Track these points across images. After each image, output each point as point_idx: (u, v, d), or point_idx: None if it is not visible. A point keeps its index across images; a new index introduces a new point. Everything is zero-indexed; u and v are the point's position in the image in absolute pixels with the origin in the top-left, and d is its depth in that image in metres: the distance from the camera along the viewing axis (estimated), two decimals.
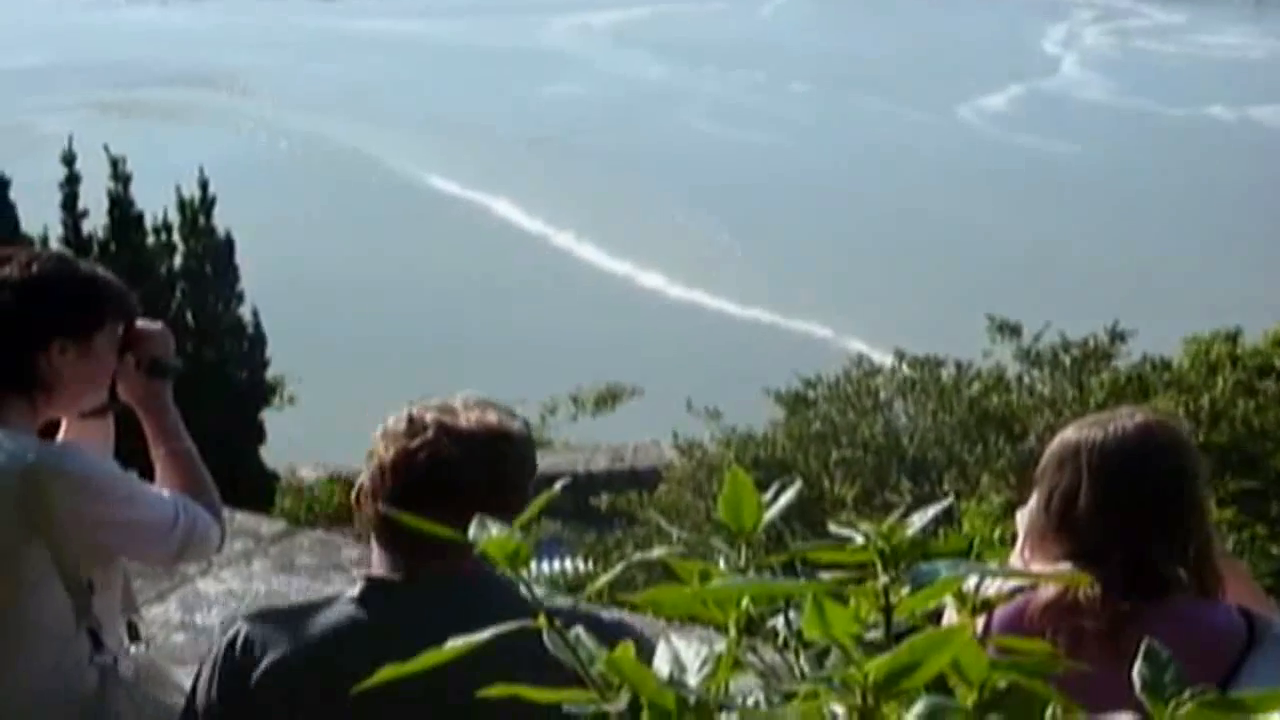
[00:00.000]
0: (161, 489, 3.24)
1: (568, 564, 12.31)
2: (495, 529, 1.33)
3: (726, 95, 44.19)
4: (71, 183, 12.98)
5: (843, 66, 47.02)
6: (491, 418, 2.81)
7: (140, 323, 3.34)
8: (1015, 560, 3.24)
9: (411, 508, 2.58)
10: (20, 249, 3.36)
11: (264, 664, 2.70)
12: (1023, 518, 3.26)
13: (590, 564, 11.32)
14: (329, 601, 2.80)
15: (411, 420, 2.79)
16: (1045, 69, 48.20)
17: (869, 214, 32.31)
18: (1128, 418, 3.18)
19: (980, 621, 2.73)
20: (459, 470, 2.72)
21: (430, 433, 2.75)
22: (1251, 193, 32.86)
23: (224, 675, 2.74)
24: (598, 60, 49.78)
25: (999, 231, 30.64)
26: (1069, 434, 3.19)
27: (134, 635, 3.35)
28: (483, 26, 54.97)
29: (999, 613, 2.93)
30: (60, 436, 3.34)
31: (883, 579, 1.18)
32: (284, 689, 2.68)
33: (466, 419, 2.78)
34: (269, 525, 6.84)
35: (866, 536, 1.21)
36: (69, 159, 12.98)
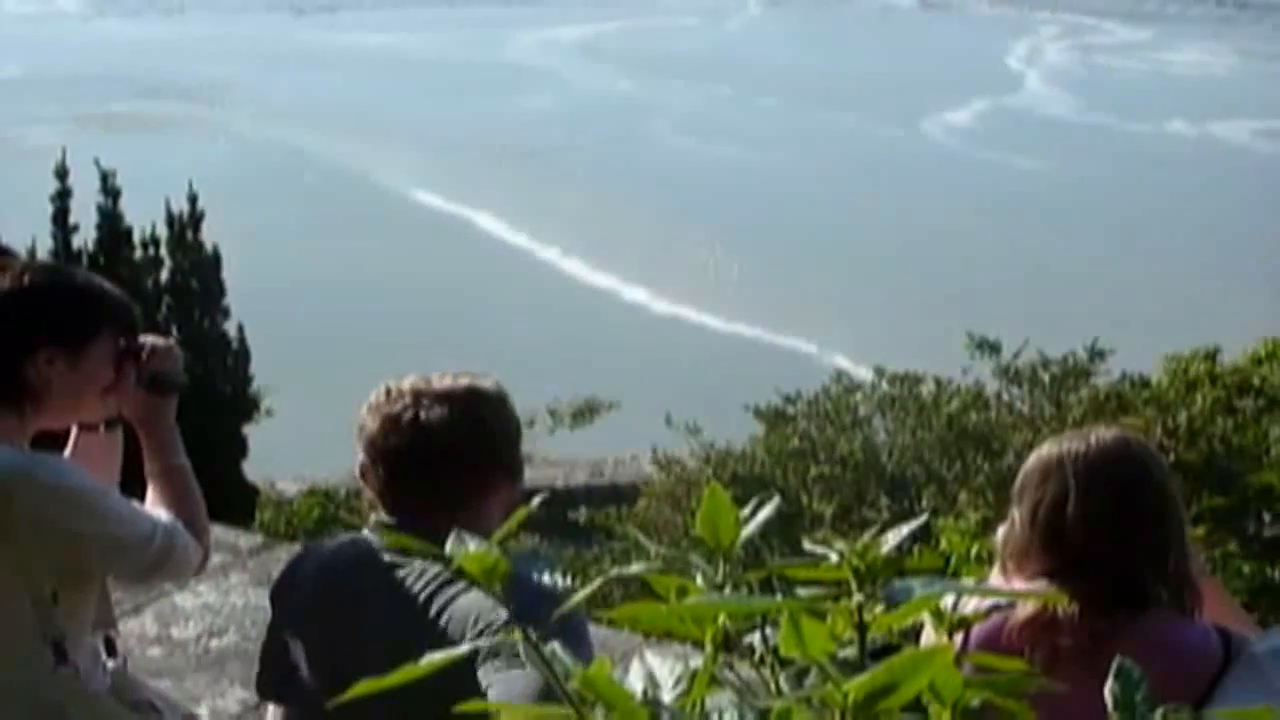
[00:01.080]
0: (145, 506, 3.21)
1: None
2: (474, 544, 1.33)
3: (697, 109, 44.35)
4: (63, 197, 12.97)
5: (810, 81, 47.22)
6: (464, 380, 3.05)
7: (148, 338, 3.32)
8: (995, 578, 3.25)
9: (406, 470, 2.96)
10: (17, 259, 3.35)
11: (296, 575, 3.18)
12: (1002, 535, 3.26)
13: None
14: (350, 537, 3.23)
15: (389, 390, 3.03)
16: (1009, 85, 48.43)
17: (846, 229, 32.38)
18: (1104, 431, 3.21)
19: (958, 638, 2.73)
20: (443, 427, 2.95)
21: (409, 397, 2.98)
22: (1217, 208, 33.18)
23: (275, 585, 3.26)
24: (569, 74, 49.88)
25: (971, 246, 30.75)
26: (1048, 449, 3.20)
27: (111, 650, 3.33)
28: (454, 40, 55.09)
29: (977, 630, 2.93)
30: (68, 450, 3.32)
31: (857, 597, 1.18)
32: (301, 596, 3.12)
33: (440, 382, 3.03)
34: (247, 539, 6.82)
35: (841, 554, 1.21)
36: (62, 173, 12.96)
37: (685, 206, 33.88)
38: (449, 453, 2.94)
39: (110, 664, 3.29)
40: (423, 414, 2.95)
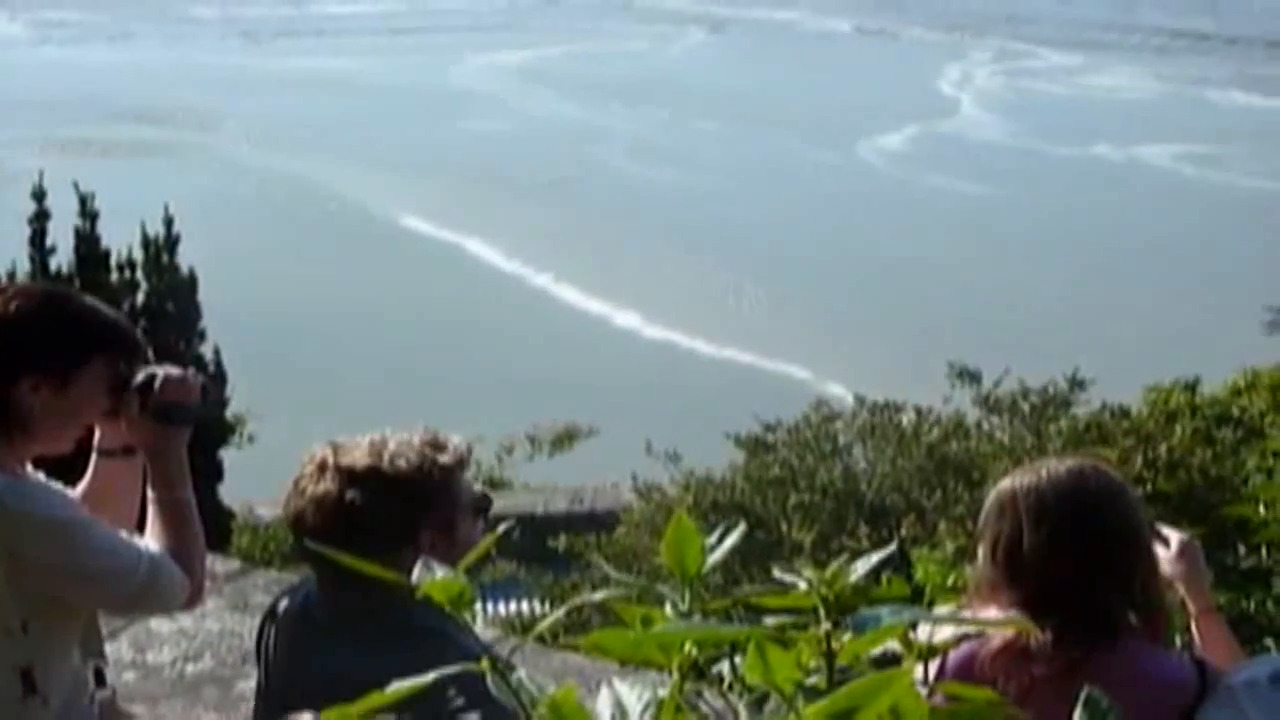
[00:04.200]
0: (134, 539, 3.17)
1: (524, 605, 12.27)
2: (440, 572, 1.33)
3: (642, 133, 44.79)
4: (40, 219, 12.93)
5: (749, 105, 47.66)
6: (380, 456, 2.91)
7: (161, 368, 3.27)
8: (968, 610, 3.24)
9: (297, 535, 2.92)
10: (13, 285, 3.33)
11: (265, 625, 3.19)
12: (973, 569, 3.27)
13: (547, 605, 11.28)
14: (300, 583, 3.20)
15: (312, 453, 2.97)
16: (943, 109, 48.92)
17: (805, 255, 32.59)
18: (1058, 463, 3.21)
19: (933, 668, 2.72)
20: (324, 505, 2.88)
21: (315, 464, 2.92)
22: (1153, 228, 33.81)
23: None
24: (515, 99, 50.17)
25: (924, 269, 31.04)
26: (1004, 484, 3.22)
27: (100, 681, 3.30)
28: (403, 65, 55.62)
29: (951, 659, 2.93)
30: (86, 476, 3.30)
31: (824, 625, 1.18)
32: (265, 640, 3.15)
33: (354, 456, 2.91)
34: (224, 564, 6.77)
35: (809, 582, 1.21)
36: (39, 195, 12.93)
37: (643, 226, 34.24)
38: (321, 531, 2.85)
39: (99, 695, 3.26)
40: (312, 487, 2.90)
